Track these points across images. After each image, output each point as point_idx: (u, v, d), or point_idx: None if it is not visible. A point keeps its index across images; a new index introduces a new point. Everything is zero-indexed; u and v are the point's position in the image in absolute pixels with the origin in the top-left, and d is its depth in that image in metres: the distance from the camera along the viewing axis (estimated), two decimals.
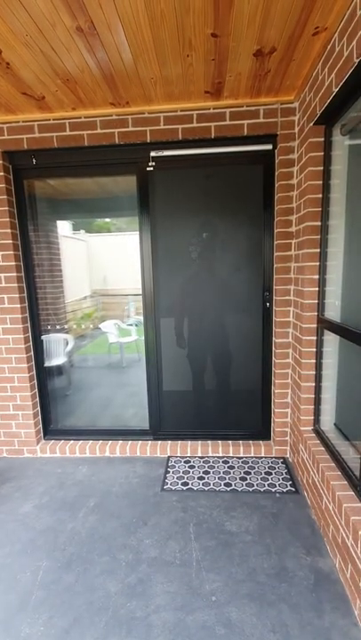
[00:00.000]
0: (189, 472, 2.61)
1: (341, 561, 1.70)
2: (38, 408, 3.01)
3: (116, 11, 1.53)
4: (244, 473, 2.57)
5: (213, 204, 2.68)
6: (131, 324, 5.40)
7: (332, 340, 2.22)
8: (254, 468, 2.64)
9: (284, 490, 2.38)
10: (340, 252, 2.08)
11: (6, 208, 2.60)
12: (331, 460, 2.02)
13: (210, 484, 2.45)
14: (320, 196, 2.13)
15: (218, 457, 2.79)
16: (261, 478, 2.50)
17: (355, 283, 1.96)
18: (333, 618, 1.53)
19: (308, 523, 2.08)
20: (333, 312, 2.14)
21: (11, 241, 2.65)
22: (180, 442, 2.91)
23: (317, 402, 2.32)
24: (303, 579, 1.72)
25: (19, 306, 2.75)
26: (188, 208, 2.69)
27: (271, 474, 2.56)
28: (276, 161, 2.47)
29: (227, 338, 2.87)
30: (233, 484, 2.45)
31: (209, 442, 2.90)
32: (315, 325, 2.28)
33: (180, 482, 2.50)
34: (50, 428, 3.12)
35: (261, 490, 2.38)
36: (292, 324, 2.60)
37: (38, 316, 2.96)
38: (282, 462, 2.70)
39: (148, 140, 2.48)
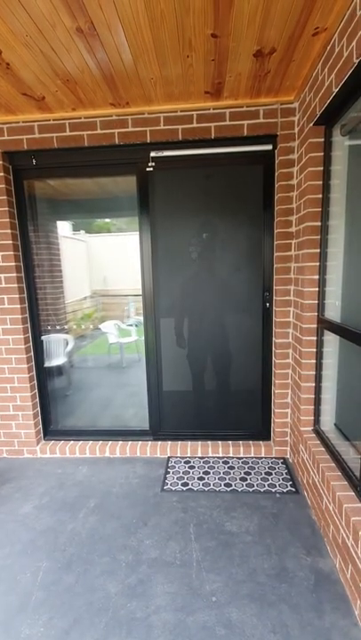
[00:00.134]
0: (189, 472, 2.61)
1: (342, 561, 1.69)
2: (38, 408, 3.01)
3: (116, 11, 1.53)
4: (245, 473, 2.57)
5: (213, 204, 2.68)
6: (131, 325, 5.41)
7: (332, 341, 2.22)
8: (254, 468, 2.63)
9: (285, 490, 2.38)
10: (341, 253, 2.08)
11: (6, 208, 2.60)
12: (331, 460, 2.02)
13: (210, 485, 2.45)
14: (320, 196, 2.13)
15: (218, 457, 2.79)
16: (261, 478, 2.50)
17: (355, 283, 1.96)
18: (334, 618, 1.53)
19: (308, 523, 2.08)
20: (334, 312, 2.14)
21: (11, 241, 2.65)
22: (180, 442, 2.91)
23: (317, 402, 2.32)
24: (303, 579, 1.72)
25: (19, 306, 2.75)
26: (188, 208, 2.69)
27: (271, 474, 2.55)
28: (276, 161, 2.47)
29: (227, 338, 2.87)
30: (233, 484, 2.45)
31: (209, 442, 2.90)
32: (315, 326, 2.28)
33: (180, 482, 2.49)
34: (50, 428, 3.12)
35: (261, 490, 2.38)
36: (292, 324, 2.60)
37: (38, 316, 2.96)
38: (282, 462, 2.70)
39: (148, 141, 2.48)
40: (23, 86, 2.10)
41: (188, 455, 2.83)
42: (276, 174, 2.49)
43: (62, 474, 2.68)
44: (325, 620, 1.52)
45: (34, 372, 2.95)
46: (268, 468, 2.63)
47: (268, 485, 2.43)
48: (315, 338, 2.29)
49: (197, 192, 2.67)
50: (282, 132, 2.39)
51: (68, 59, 1.85)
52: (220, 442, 2.89)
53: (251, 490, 2.39)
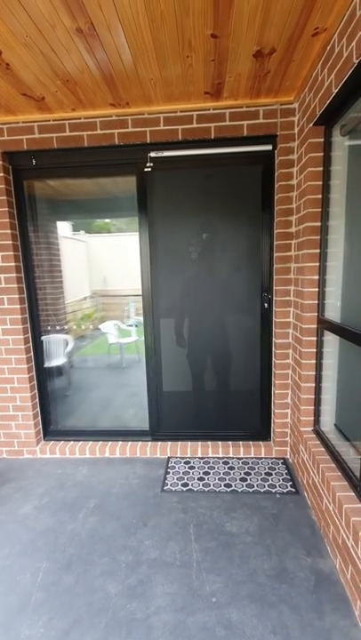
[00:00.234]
0: (189, 473, 2.60)
1: (342, 562, 1.69)
2: (38, 409, 3.01)
3: (116, 12, 1.53)
4: (245, 474, 2.57)
5: (213, 204, 2.68)
6: (131, 325, 5.41)
7: (332, 341, 2.22)
8: (254, 468, 2.63)
9: (285, 490, 2.37)
10: (341, 253, 2.08)
11: (6, 209, 2.60)
12: (331, 460, 2.02)
13: (210, 485, 2.45)
14: (320, 196, 2.13)
15: (218, 458, 2.79)
16: (261, 479, 2.50)
17: (356, 283, 1.96)
18: (334, 619, 1.52)
19: (308, 523, 2.08)
20: (336, 313, 2.13)
21: (10, 242, 2.65)
22: (180, 442, 2.91)
23: (317, 402, 2.32)
24: (304, 580, 1.71)
25: (18, 306, 2.75)
26: (188, 208, 2.69)
27: (271, 474, 2.55)
28: (276, 161, 2.47)
29: (227, 338, 2.87)
30: (233, 484, 2.45)
31: (209, 442, 2.90)
32: (315, 326, 2.27)
33: (180, 483, 2.49)
34: (50, 428, 3.11)
35: (262, 490, 2.38)
36: (292, 324, 2.60)
37: (38, 316, 2.96)
38: (282, 463, 2.70)
39: (148, 141, 2.48)
40: (23, 87, 2.10)
41: (188, 455, 2.83)
42: (276, 174, 2.49)
43: (62, 474, 2.67)
44: (326, 620, 1.52)
45: (34, 373, 2.95)
46: (268, 468, 2.63)
47: (268, 486, 2.43)
48: (315, 338, 2.29)
49: (197, 192, 2.67)
50: (282, 132, 2.39)
51: (67, 59, 1.85)
52: (220, 442, 2.89)
53: (251, 490, 2.39)
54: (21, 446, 2.96)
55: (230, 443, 2.88)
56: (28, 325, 2.88)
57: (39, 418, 3.02)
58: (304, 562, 1.82)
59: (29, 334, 2.89)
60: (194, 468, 2.67)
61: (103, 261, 6.35)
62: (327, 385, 2.29)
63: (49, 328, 3.24)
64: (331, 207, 2.11)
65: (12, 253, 2.67)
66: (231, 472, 2.60)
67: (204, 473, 2.59)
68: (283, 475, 2.55)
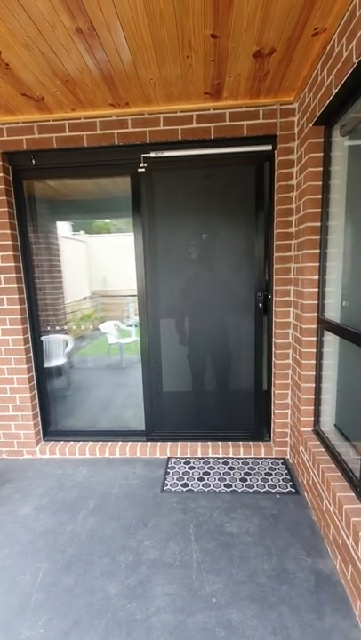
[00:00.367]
0: (189, 473, 2.60)
1: (342, 562, 1.69)
2: (38, 409, 3.00)
3: (116, 12, 1.53)
4: (245, 474, 2.57)
5: (213, 204, 2.68)
6: (130, 325, 5.40)
7: (331, 341, 2.22)
8: (254, 468, 2.63)
9: (285, 491, 2.37)
10: (341, 253, 2.08)
11: (6, 209, 2.60)
12: (331, 460, 2.02)
13: (210, 485, 2.45)
14: (320, 196, 2.13)
15: (218, 458, 2.79)
16: (261, 479, 2.50)
17: (356, 283, 1.96)
18: (334, 620, 1.52)
19: (308, 524, 2.08)
20: (342, 313, 2.11)
21: (10, 242, 2.65)
22: (179, 443, 2.90)
23: (317, 402, 2.32)
24: (304, 580, 1.71)
25: (18, 307, 2.75)
26: (187, 209, 2.69)
27: (271, 475, 2.55)
28: (276, 162, 2.47)
29: (226, 338, 2.87)
30: (233, 485, 2.45)
31: (209, 443, 2.90)
32: (315, 326, 2.27)
33: (179, 483, 2.49)
34: (49, 429, 3.11)
35: (261, 491, 2.38)
36: (291, 324, 2.60)
37: (38, 316, 2.96)
38: (282, 463, 2.69)
39: (148, 141, 2.48)
40: (23, 87, 2.10)
41: (188, 456, 2.83)
42: (275, 175, 2.49)
43: (62, 475, 2.67)
44: (326, 621, 1.52)
45: (33, 373, 2.95)
46: (268, 468, 2.63)
47: (268, 486, 2.42)
48: (315, 338, 2.28)
49: (196, 192, 2.67)
50: (281, 132, 2.39)
51: (67, 59, 1.84)
52: (219, 442, 2.89)
53: (251, 490, 2.39)
54: (21, 447, 2.95)
55: (230, 443, 2.87)
56: (28, 326, 2.88)
57: (39, 418, 3.02)
58: (304, 562, 1.81)
59: (29, 334, 2.89)
60: (194, 468, 2.67)
61: (103, 261, 6.35)
62: (327, 385, 2.29)
63: (49, 328, 3.24)
64: (331, 207, 2.11)
65: (11, 253, 2.66)
66: (231, 472, 2.59)
67: (203, 473, 2.59)
68: (283, 475, 2.55)
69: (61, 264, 3.62)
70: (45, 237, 3.24)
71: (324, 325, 2.17)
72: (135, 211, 2.68)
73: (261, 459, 2.76)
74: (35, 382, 2.96)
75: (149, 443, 2.93)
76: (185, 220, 2.71)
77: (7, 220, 2.61)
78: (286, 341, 2.63)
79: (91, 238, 6.17)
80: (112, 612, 1.59)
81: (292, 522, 2.10)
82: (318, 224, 2.16)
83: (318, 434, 2.28)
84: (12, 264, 2.68)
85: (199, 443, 2.90)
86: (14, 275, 2.69)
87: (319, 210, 2.15)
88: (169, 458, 2.82)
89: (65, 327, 3.83)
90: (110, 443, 2.95)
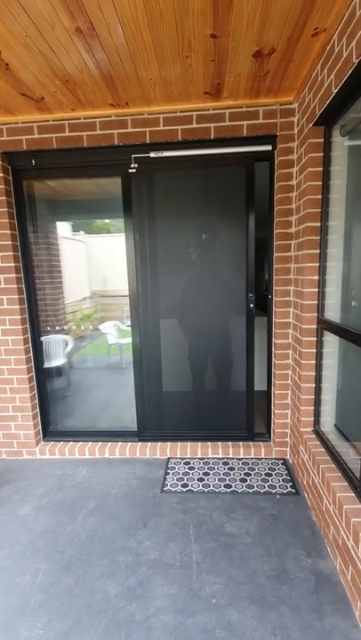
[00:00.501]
0: (189, 473, 2.60)
1: (342, 563, 1.69)
2: (37, 409, 3.00)
3: (115, 11, 1.53)
4: (244, 474, 2.56)
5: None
6: (130, 326, 5.39)
7: (331, 341, 2.22)
8: (254, 469, 2.63)
9: (285, 491, 2.37)
10: (341, 253, 2.08)
11: (5, 209, 2.60)
12: (331, 461, 2.01)
13: (210, 486, 2.45)
14: (320, 196, 2.13)
15: (218, 458, 2.78)
16: (261, 480, 2.50)
17: (356, 283, 1.96)
18: (334, 620, 1.52)
19: (308, 524, 2.07)
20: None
21: (10, 242, 2.65)
22: (179, 443, 2.90)
23: (317, 403, 2.32)
24: (304, 581, 1.71)
25: (18, 307, 2.74)
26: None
27: (271, 475, 2.55)
28: (276, 162, 2.47)
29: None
30: (233, 485, 2.45)
31: (209, 443, 2.90)
32: (315, 326, 2.27)
33: (179, 483, 2.49)
34: (49, 429, 3.11)
35: (261, 491, 2.38)
36: (291, 324, 2.59)
37: (38, 317, 2.95)
38: (282, 463, 2.69)
39: (148, 141, 2.47)
40: (22, 87, 2.10)
41: (188, 456, 2.83)
42: (275, 175, 2.49)
43: (62, 475, 2.67)
44: (326, 621, 1.51)
45: (33, 373, 2.94)
46: (268, 469, 2.63)
47: (268, 486, 2.42)
48: (315, 338, 2.28)
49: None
50: (281, 132, 2.39)
51: (67, 59, 1.84)
52: (219, 443, 2.89)
53: (251, 491, 2.38)
54: (21, 447, 2.95)
55: (230, 443, 2.87)
56: (28, 326, 2.87)
57: (38, 418, 3.02)
58: (304, 563, 1.81)
59: (29, 335, 2.88)
60: (193, 468, 2.66)
61: (103, 262, 6.34)
62: (327, 385, 2.29)
63: (48, 328, 3.23)
64: (331, 207, 2.11)
65: (11, 254, 2.66)
66: (231, 473, 2.59)
67: (203, 473, 2.59)
68: (283, 475, 2.54)
69: (61, 264, 3.61)
70: (45, 237, 3.24)
71: (324, 326, 2.17)
72: (126, 211, 2.68)
73: (261, 459, 2.76)
74: (34, 383, 2.96)
75: (149, 443, 2.93)
76: (182, 221, 2.71)
77: (7, 221, 2.61)
78: (286, 341, 2.63)
79: (90, 238, 6.16)
80: (112, 613, 1.59)
81: (293, 522, 2.09)
82: (318, 224, 2.16)
83: (318, 434, 2.27)
84: (12, 264, 2.68)
85: (199, 443, 2.90)
86: (14, 275, 2.69)
87: (319, 210, 2.15)
88: (169, 458, 2.82)
89: (65, 327, 3.82)
90: (110, 443, 2.95)
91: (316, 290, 2.24)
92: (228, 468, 2.64)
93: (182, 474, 2.60)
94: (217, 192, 2.66)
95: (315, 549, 1.89)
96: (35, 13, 1.52)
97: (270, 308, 2.70)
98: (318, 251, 2.19)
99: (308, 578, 1.72)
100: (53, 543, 2.01)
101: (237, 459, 2.77)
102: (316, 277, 2.23)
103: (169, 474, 2.61)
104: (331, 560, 1.82)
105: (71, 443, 2.98)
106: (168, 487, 2.45)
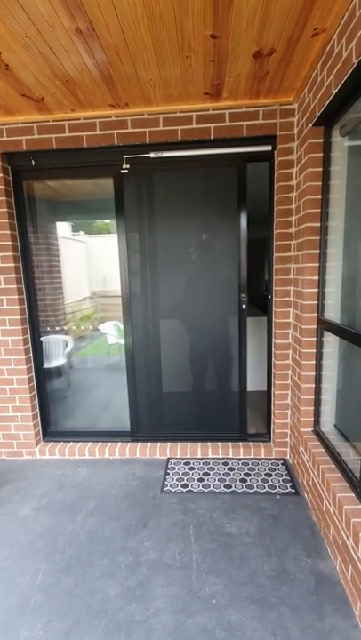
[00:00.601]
0: (189, 474, 2.60)
1: (342, 563, 1.69)
2: (37, 410, 3.00)
3: (115, 12, 1.53)
4: (244, 474, 2.56)
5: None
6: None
7: (331, 341, 2.22)
8: (254, 469, 2.63)
9: (285, 491, 2.37)
10: (341, 253, 2.08)
11: (5, 209, 2.60)
12: (331, 461, 2.01)
13: (210, 486, 2.44)
14: (320, 197, 2.13)
15: (218, 459, 2.78)
16: (261, 480, 2.50)
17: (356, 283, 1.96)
18: (334, 620, 1.52)
19: (308, 524, 2.07)
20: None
21: (10, 242, 2.65)
22: (179, 443, 2.90)
23: (317, 403, 2.32)
24: (304, 581, 1.71)
25: (18, 307, 2.74)
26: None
27: (271, 475, 2.55)
28: (276, 162, 2.47)
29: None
30: (233, 485, 2.45)
31: (209, 443, 2.89)
32: (314, 326, 2.27)
33: (179, 484, 2.49)
34: (49, 429, 3.11)
35: (261, 491, 2.37)
36: (291, 325, 2.59)
37: (37, 317, 2.95)
38: (282, 464, 2.69)
39: (148, 142, 2.48)
40: (22, 87, 2.10)
41: (188, 456, 2.83)
42: (275, 175, 2.49)
43: (61, 475, 2.67)
44: (326, 622, 1.51)
45: (33, 374, 2.94)
46: (268, 469, 2.63)
47: (267, 487, 2.42)
48: (314, 339, 2.28)
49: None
50: (281, 132, 2.39)
51: (67, 59, 1.84)
52: (219, 443, 2.89)
53: (251, 491, 2.38)
54: (21, 447, 2.95)
55: (230, 443, 2.87)
56: (28, 326, 2.87)
57: (38, 419, 3.02)
58: (304, 563, 1.81)
59: (29, 335, 2.88)
60: (193, 468, 2.66)
61: (102, 262, 6.34)
62: (327, 385, 2.29)
63: (48, 329, 3.23)
64: (330, 207, 2.11)
65: (11, 254, 2.66)
66: (231, 473, 2.59)
67: (203, 474, 2.59)
68: (283, 475, 2.54)
69: (61, 264, 3.61)
70: (45, 238, 3.24)
71: (324, 326, 2.17)
72: (118, 212, 2.69)
73: (261, 459, 2.76)
74: (34, 383, 2.96)
75: (149, 444, 2.93)
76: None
77: (7, 221, 2.61)
78: (286, 342, 2.63)
79: (90, 239, 6.16)
80: (112, 614, 1.59)
81: (292, 522, 2.09)
82: (318, 224, 2.16)
83: (318, 434, 2.27)
84: (12, 264, 2.68)
85: (199, 443, 2.89)
86: (14, 275, 2.69)
87: (319, 210, 2.15)
88: (169, 458, 2.82)
89: (65, 327, 3.82)
90: (110, 444, 2.95)
91: (316, 290, 2.24)
92: (228, 469, 2.64)
93: (182, 474, 2.60)
94: (210, 193, 2.66)
95: (315, 550, 1.89)
96: (34, 14, 1.52)
97: (270, 309, 2.70)
98: (318, 251, 2.19)
99: (308, 578, 1.72)
100: (53, 543, 2.01)
101: (237, 459, 2.77)
102: (316, 277, 2.23)
103: (169, 474, 2.61)
104: (331, 560, 1.82)
105: (71, 443, 2.98)
106: (168, 487, 2.45)
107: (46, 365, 3.12)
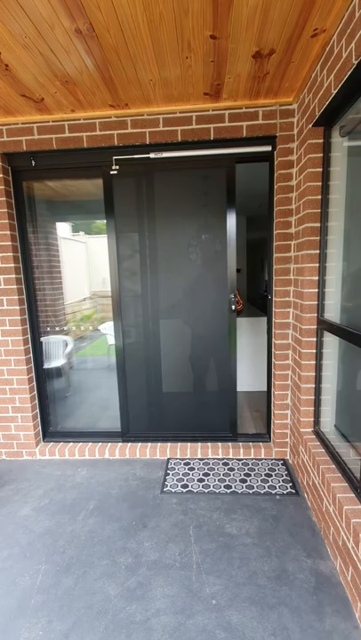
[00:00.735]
0: (189, 474, 2.60)
1: (342, 563, 1.69)
2: (37, 410, 3.00)
3: (115, 12, 1.53)
4: (244, 475, 2.56)
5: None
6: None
7: (331, 342, 2.22)
8: (254, 469, 2.63)
9: (285, 492, 2.37)
10: (340, 254, 2.08)
11: (5, 210, 2.60)
12: (331, 461, 2.01)
13: (210, 487, 2.44)
14: (319, 197, 2.13)
15: (218, 459, 2.78)
16: (261, 480, 2.49)
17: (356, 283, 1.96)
18: (334, 621, 1.52)
19: (308, 525, 2.07)
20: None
21: (10, 243, 2.65)
22: (179, 444, 2.90)
23: (317, 403, 2.32)
24: (304, 581, 1.71)
25: (18, 308, 2.74)
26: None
27: (271, 476, 2.55)
28: (276, 162, 2.47)
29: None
30: (233, 486, 2.44)
31: (208, 444, 2.89)
32: (314, 327, 2.27)
33: (179, 484, 2.48)
34: (49, 430, 3.11)
35: (261, 492, 2.37)
36: (291, 325, 2.59)
37: (37, 317, 2.95)
38: (282, 464, 2.69)
39: (148, 142, 2.48)
40: (22, 88, 2.10)
41: (188, 457, 2.82)
42: (275, 175, 2.49)
43: (61, 476, 2.67)
44: (326, 622, 1.51)
45: (33, 374, 2.94)
46: (268, 469, 2.63)
47: (268, 487, 2.42)
48: (314, 339, 2.28)
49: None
50: (281, 133, 2.39)
51: (66, 60, 1.85)
52: (219, 443, 2.89)
53: (251, 492, 2.38)
54: (21, 448, 2.95)
55: (230, 444, 2.87)
56: (28, 326, 2.88)
57: (38, 419, 3.02)
58: (304, 563, 1.81)
59: (29, 335, 2.88)
60: (193, 469, 2.66)
61: (103, 262, 6.34)
62: (327, 386, 2.29)
63: (48, 329, 3.23)
64: (330, 208, 2.11)
65: (11, 254, 2.66)
66: (231, 473, 2.59)
67: (203, 474, 2.59)
68: (283, 476, 2.54)
69: (61, 265, 3.61)
70: (45, 238, 3.24)
71: (324, 326, 2.17)
72: (108, 213, 2.70)
73: (261, 460, 2.76)
74: (34, 383, 2.96)
75: (149, 444, 2.93)
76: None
77: (7, 221, 2.61)
78: (286, 342, 2.63)
79: (90, 239, 6.16)
80: (112, 614, 1.59)
81: (293, 523, 2.09)
82: (318, 225, 2.16)
83: (318, 434, 2.27)
84: (12, 265, 2.68)
85: (199, 444, 2.89)
86: (14, 275, 2.69)
87: (319, 210, 2.15)
88: (169, 459, 2.82)
89: (65, 328, 3.82)
90: (110, 444, 2.94)
91: (316, 290, 2.24)
92: (228, 469, 2.64)
93: (182, 474, 2.60)
94: (200, 193, 2.65)
95: (315, 550, 1.89)
96: (34, 14, 1.52)
97: (270, 309, 2.70)
98: (318, 251, 2.19)
99: (309, 579, 1.72)
100: (53, 544, 2.01)
101: (237, 459, 2.76)
102: (316, 278, 2.23)
103: (169, 474, 2.60)
104: (331, 561, 1.82)
105: (71, 443, 2.98)
106: (168, 488, 2.45)
107: (46, 366, 3.12)
